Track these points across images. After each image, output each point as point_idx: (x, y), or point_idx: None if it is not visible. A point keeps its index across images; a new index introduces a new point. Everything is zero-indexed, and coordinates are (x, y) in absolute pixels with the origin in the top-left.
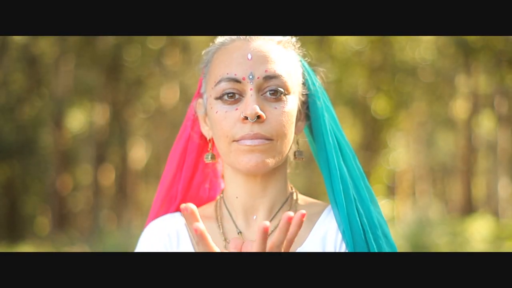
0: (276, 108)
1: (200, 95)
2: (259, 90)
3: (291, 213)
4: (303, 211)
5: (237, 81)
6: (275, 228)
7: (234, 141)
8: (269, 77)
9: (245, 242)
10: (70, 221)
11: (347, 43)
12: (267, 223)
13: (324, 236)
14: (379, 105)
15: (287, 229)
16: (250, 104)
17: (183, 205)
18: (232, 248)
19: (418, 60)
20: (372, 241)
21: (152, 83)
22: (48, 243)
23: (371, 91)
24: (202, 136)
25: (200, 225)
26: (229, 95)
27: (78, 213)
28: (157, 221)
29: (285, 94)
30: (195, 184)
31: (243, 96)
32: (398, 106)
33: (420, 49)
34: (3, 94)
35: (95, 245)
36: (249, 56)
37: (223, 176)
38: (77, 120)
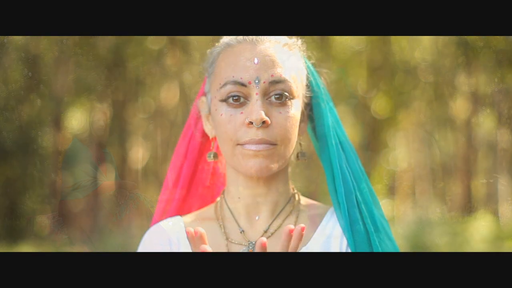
0: (281, 112)
1: (203, 94)
2: (265, 94)
3: (291, 226)
4: (303, 225)
5: (243, 85)
6: (278, 227)
7: (238, 144)
8: (275, 82)
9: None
10: (70, 221)
11: (347, 43)
12: (264, 239)
13: (328, 238)
14: (379, 105)
15: (289, 242)
16: (256, 110)
17: (190, 229)
18: (257, 248)
19: (418, 60)
20: (377, 243)
21: (152, 83)
22: (48, 243)
23: (371, 91)
24: (204, 135)
25: (199, 228)
26: (234, 98)
27: (78, 213)
28: (159, 225)
29: (290, 99)
30: (196, 182)
31: (248, 100)
32: (398, 106)
33: (420, 48)
34: (3, 94)
35: (95, 245)
36: (256, 61)
37: (225, 176)
38: (77, 120)
